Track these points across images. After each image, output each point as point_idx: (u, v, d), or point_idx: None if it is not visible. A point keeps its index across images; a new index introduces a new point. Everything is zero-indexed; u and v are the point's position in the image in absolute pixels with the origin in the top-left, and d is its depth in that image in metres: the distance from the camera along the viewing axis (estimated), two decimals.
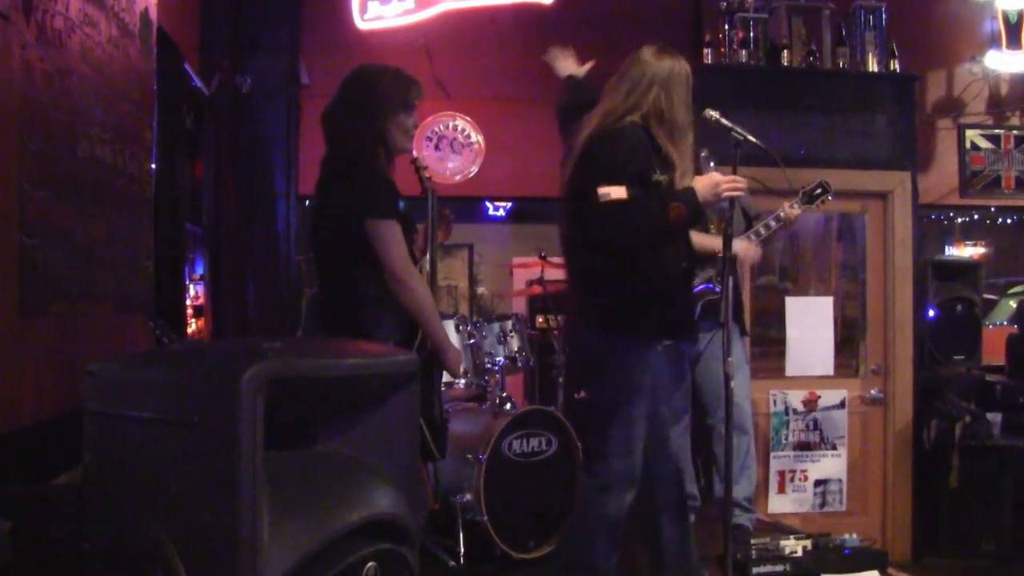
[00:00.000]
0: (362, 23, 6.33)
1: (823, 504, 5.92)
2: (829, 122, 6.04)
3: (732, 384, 4.53)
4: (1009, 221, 8.31)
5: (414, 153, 3.99)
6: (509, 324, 5.19)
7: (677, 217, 3.41)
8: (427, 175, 4.07)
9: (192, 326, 6.10)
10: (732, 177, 3.53)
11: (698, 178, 3.54)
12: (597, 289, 3.59)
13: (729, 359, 3.55)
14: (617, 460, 3.55)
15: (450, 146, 6.86)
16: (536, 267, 5.86)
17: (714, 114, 3.74)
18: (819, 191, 4.77)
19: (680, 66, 3.65)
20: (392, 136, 3.59)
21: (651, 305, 3.55)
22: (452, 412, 5.11)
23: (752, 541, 4.43)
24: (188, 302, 5.99)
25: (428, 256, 4.00)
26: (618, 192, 3.38)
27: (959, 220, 9.03)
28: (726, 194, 3.49)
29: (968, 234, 10.66)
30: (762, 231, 4.82)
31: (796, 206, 4.77)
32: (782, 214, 4.78)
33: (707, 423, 5.01)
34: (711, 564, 4.42)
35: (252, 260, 6.32)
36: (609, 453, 3.55)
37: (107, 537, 2.19)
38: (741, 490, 4.81)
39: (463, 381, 4.92)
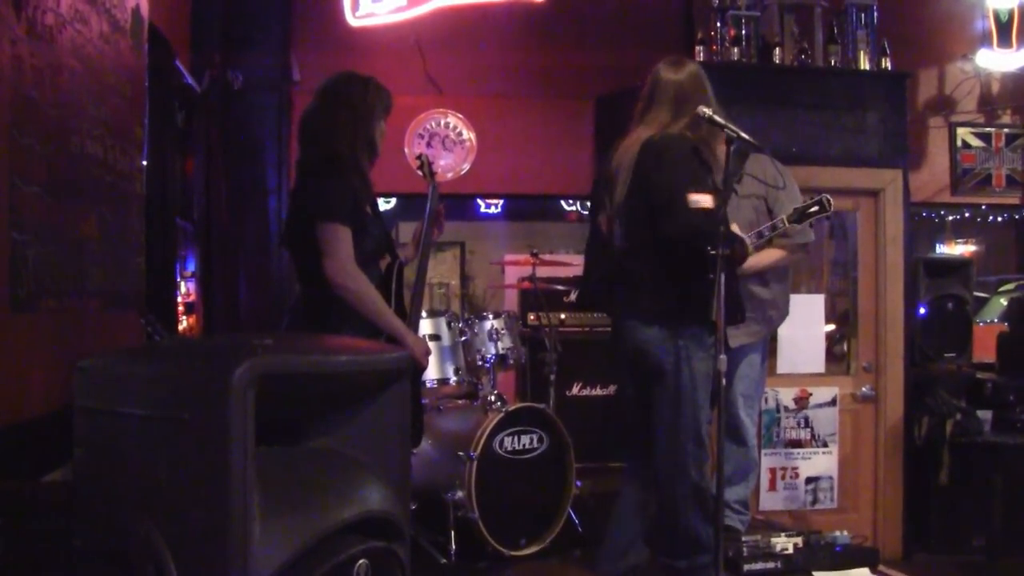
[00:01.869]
0: (354, 20, 6.32)
1: (814, 501, 5.92)
2: (821, 119, 6.03)
3: (738, 394, 4.61)
4: (1000, 219, 8.33)
5: (418, 150, 4.03)
6: (500, 321, 5.19)
7: (734, 256, 3.74)
8: (434, 170, 4.14)
9: (183, 322, 6.09)
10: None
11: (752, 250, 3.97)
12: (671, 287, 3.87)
13: (722, 357, 3.56)
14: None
15: (442, 143, 6.85)
16: (528, 264, 5.86)
17: (707, 111, 3.76)
18: (814, 208, 4.35)
19: (698, 69, 4.00)
20: (376, 140, 3.73)
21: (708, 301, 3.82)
22: (444, 409, 5.11)
23: (743, 538, 4.43)
24: (179, 298, 5.98)
25: (419, 251, 4.01)
26: (707, 201, 3.68)
27: (950, 218, 9.04)
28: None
29: (959, 232, 10.69)
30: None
31: (784, 223, 4.40)
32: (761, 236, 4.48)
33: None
34: None
35: (243, 256, 6.31)
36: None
37: (98, 534, 2.18)
38: (736, 492, 4.80)
39: (453, 378, 4.92)
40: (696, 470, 3.83)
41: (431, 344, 4.83)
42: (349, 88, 3.71)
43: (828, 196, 4.39)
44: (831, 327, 6.27)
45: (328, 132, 3.63)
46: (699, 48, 6.01)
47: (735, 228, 3.87)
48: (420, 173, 4.23)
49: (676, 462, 3.86)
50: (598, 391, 6.33)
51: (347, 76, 3.77)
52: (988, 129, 7.25)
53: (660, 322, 3.85)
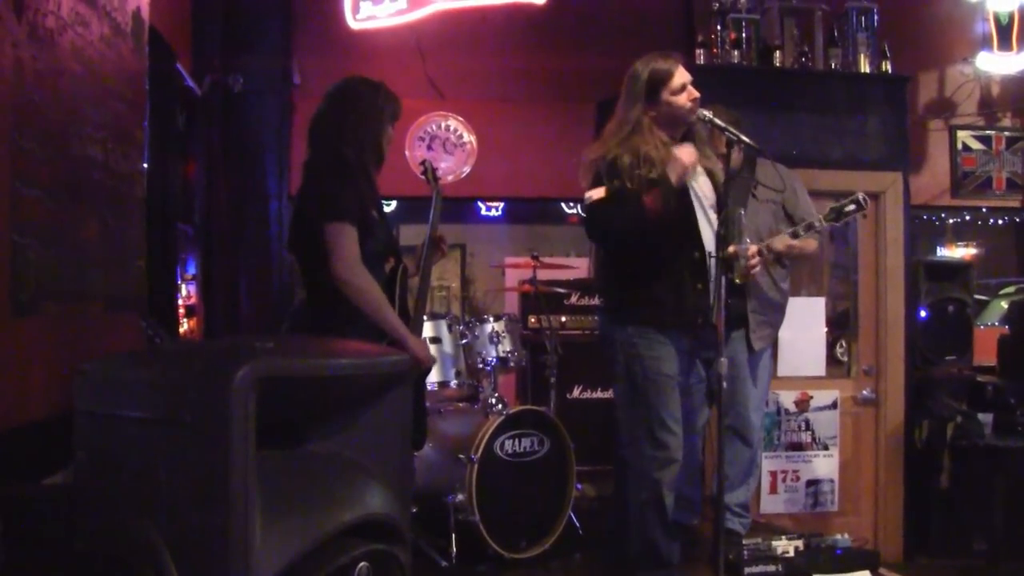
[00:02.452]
0: (354, 23, 6.33)
1: (815, 504, 5.92)
2: (821, 123, 6.04)
3: (738, 392, 4.60)
4: (1000, 222, 8.34)
5: (419, 152, 4.04)
6: (501, 324, 5.19)
7: (652, 205, 3.68)
8: (437, 176, 4.15)
9: (184, 326, 6.09)
10: (686, 147, 3.83)
11: (676, 153, 3.78)
12: (615, 287, 3.97)
13: (723, 359, 3.55)
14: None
15: (442, 146, 6.86)
16: (528, 267, 5.86)
17: (707, 114, 3.76)
18: (851, 207, 4.21)
19: (635, 71, 3.91)
20: (384, 145, 3.73)
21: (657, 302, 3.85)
22: (444, 412, 5.11)
23: (744, 541, 4.43)
24: (180, 302, 5.98)
25: (423, 259, 4.01)
26: (598, 193, 3.76)
27: (950, 221, 9.05)
28: (689, 161, 3.77)
29: (959, 235, 10.72)
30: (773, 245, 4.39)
31: (821, 223, 4.30)
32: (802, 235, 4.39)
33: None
34: (703, 564, 4.42)
35: (244, 259, 6.32)
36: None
37: (99, 537, 2.18)
38: (737, 496, 4.79)
39: (454, 381, 4.92)
40: (654, 473, 3.81)
41: (432, 347, 4.83)
42: (359, 92, 3.71)
43: (864, 194, 4.27)
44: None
45: (337, 135, 3.63)
46: (699, 51, 6.02)
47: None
48: (424, 179, 4.23)
49: (634, 465, 3.89)
50: (599, 394, 6.32)
51: (358, 81, 3.77)
52: (988, 132, 7.25)
53: (610, 321, 3.97)
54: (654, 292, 3.83)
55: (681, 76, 3.88)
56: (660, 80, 3.84)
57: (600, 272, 4.16)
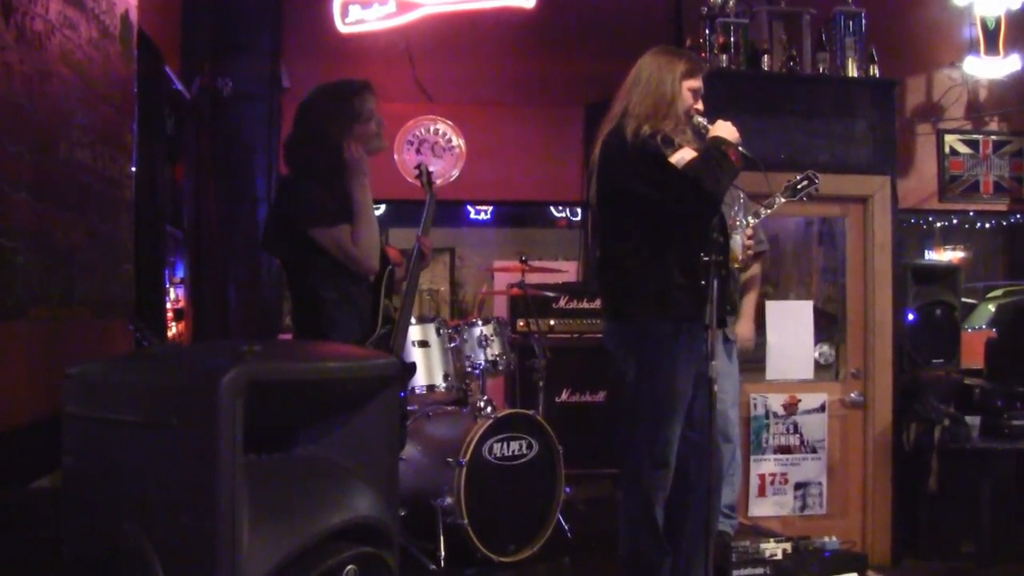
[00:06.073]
0: (343, 27, 6.33)
1: (803, 507, 5.94)
2: (809, 126, 6.05)
3: (715, 389, 4.58)
4: (987, 226, 8.38)
5: (408, 156, 4.04)
6: (490, 327, 5.19)
7: (735, 157, 3.64)
8: (432, 180, 4.15)
9: (173, 329, 6.08)
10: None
11: (720, 125, 3.73)
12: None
13: (713, 363, 3.56)
14: None
15: (431, 150, 6.87)
16: (517, 271, 5.87)
17: (702, 120, 3.76)
18: (804, 183, 4.70)
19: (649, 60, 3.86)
20: (354, 150, 3.68)
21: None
22: (432, 416, 5.10)
23: (732, 544, 4.44)
24: (168, 305, 5.97)
25: (411, 263, 4.01)
26: (689, 153, 3.65)
27: (938, 224, 9.09)
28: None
29: (947, 238, 10.75)
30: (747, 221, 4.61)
31: (780, 197, 4.70)
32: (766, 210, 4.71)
33: None
34: None
35: (233, 263, 6.30)
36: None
37: (86, 541, 2.18)
38: (723, 497, 4.80)
39: (442, 384, 4.92)
40: (650, 494, 3.70)
41: (420, 350, 4.84)
42: (316, 104, 3.74)
43: (813, 171, 4.80)
44: None
45: (303, 155, 3.69)
46: None
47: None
48: (419, 183, 4.24)
49: (631, 481, 3.81)
50: (587, 397, 6.33)
51: (318, 91, 3.78)
52: (976, 136, 7.28)
53: (621, 324, 3.83)
54: (696, 281, 3.59)
55: (699, 82, 3.88)
56: (688, 73, 3.82)
57: (622, 264, 3.84)
